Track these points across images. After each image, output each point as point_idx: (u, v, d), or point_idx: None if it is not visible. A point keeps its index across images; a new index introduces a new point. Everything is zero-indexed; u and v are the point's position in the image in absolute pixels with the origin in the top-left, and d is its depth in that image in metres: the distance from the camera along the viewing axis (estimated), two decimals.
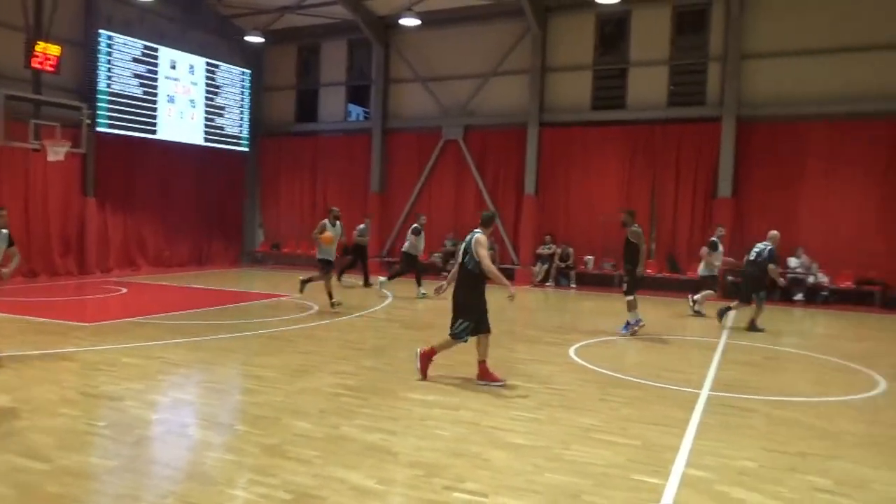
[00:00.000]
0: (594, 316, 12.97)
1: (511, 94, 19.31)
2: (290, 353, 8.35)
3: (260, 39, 20.38)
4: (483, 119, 19.76)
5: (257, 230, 23.69)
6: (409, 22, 17.91)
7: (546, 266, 18.29)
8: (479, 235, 7.00)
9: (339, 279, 16.03)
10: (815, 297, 15.75)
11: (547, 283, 18.17)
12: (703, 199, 17.27)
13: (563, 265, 18.24)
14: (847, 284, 15.86)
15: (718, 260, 13.35)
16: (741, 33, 16.59)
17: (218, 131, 21.02)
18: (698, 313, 13.13)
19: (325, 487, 4.23)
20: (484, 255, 6.87)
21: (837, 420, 6.18)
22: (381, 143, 21.05)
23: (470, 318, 7.01)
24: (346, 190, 21.70)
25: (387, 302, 13.23)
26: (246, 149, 22.20)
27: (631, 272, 10.43)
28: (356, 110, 24.45)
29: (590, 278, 18.16)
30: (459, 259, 7.16)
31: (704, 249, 13.57)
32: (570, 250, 18.21)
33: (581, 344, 9.47)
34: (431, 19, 19.13)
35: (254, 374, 7.26)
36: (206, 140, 20.60)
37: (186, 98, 19.78)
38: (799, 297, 15.78)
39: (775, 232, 12.02)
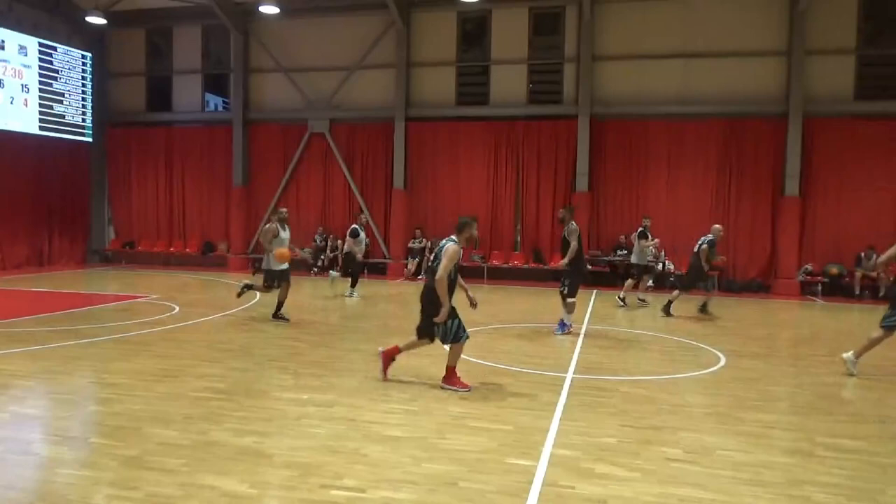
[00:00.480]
0: (465, 307, 13.25)
1: (377, 88, 19.25)
2: (148, 357, 7.81)
3: (102, 21, 18.76)
4: (349, 112, 19.54)
5: (107, 227, 21.92)
6: (269, 10, 17.28)
7: (417, 260, 18.46)
8: (450, 245, 6.75)
9: (351, 293, 14.32)
10: (664, 282, 17.11)
11: (419, 277, 18.32)
12: (563, 192, 18.19)
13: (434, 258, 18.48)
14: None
15: (648, 248, 14.12)
16: (592, 37, 17.63)
17: (57, 119, 19.21)
18: (643, 302, 14.04)
19: (194, 496, 4.02)
20: (443, 266, 6.62)
21: (686, 394, 6.76)
22: (243, 136, 20.21)
23: (454, 317, 6.80)
24: (207, 184, 20.68)
25: (255, 300, 12.76)
26: (89, 139, 20.47)
27: (570, 273, 9.93)
28: (215, 100, 23.28)
29: (460, 270, 18.52)
30: (431, 263, 6.95)
31: (633, 236, 14.45)
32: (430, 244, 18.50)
33: None
34: (293, 8, 18.63)
35: (108, 381, 6.72)
36: (43, 129, 18.78)
37: (18, 82, 17.88)
38: (650, 284, 17.06)
39: (718, 226, 12.87)
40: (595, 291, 16.07)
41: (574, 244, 9.79)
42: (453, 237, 6.85)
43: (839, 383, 7.46)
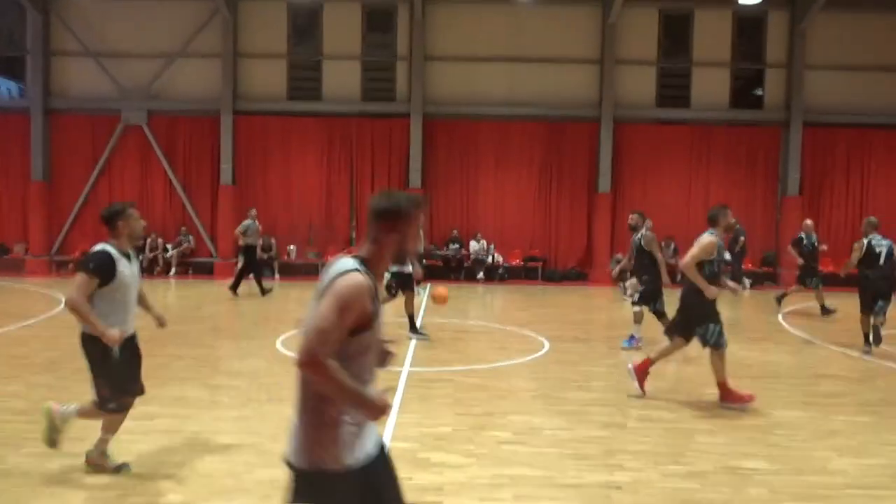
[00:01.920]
0: (300, 305, 12.93)
1: (202, 79, 18.15)
2: None
3: None
4: (171, 104, 18.23)
5: None
6: None
7: None
8: (705, 236, 6.23)
9: (234, 292, 13.56)
10: (494, 274, 17.94)
11: (249, 276, 17.58)
12: (396, 188, 18.34)
13: (265, 256, 17.83)
14: (517, 262, 18.41)
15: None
16: (424, 36, 17.99)
17: None
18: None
19: None
20: (692, 255, 6.14)
21: (514, 380, 7.13)
22: (44, 126, 18.07)
23: (717, 320, 6.30)
24: None
25: (60, 308, 11.49)
26: None
27: (648, 282, 9.18)
28: (7, 85, 20.58)
29: (294, 269, 18.09)
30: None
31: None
32: (273, 241, 17.87)
33: (288, 334, 9.38)
34: None
35: None
36: None
37: None
38: (480, 276, 17.82)
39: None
40: (428, 285, 16.42)
41: (658, 256, 9.26)
42: (710, 230, 6.28)
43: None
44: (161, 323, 4.98)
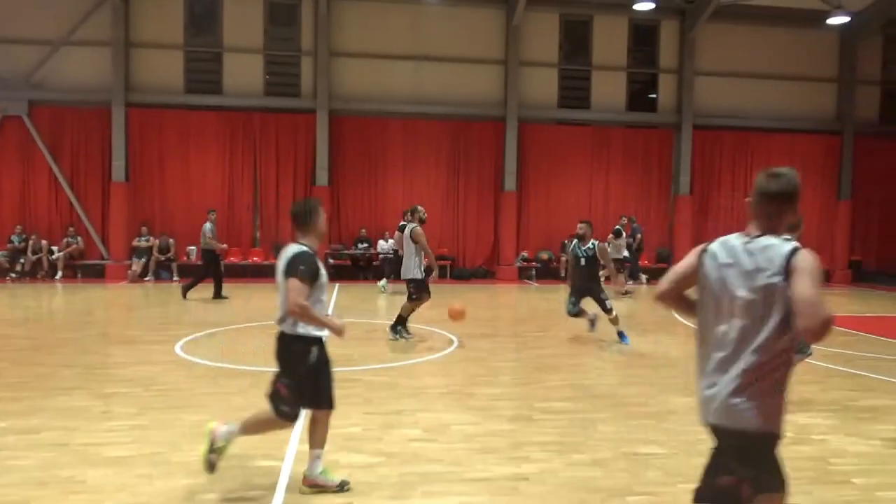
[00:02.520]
0: (200, 308, 12.45)
1: (91, 68, 17.09)
2: None
3: None
4: (56, 94, 17.03)
5: None
6: None
7: (144, 259, 16.82)
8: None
9: (184, 296, 12.99)
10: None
11: (146, 278, 16.74)
12: (303, 186, 18.02)
13: (163, 257, 17.02)
14: (426, 261, 18.43)
15: (620, 246, 14.96)
16: (329, 32, 17.72)
17: None
18: (627, 293, 14.76)
19: None
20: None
21: (423, 378, 7.16)
22: None
23: None
24: None
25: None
26: None
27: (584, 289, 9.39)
28: None
29: (194, 270, 17.32)
30: None
31: (610, 236, 14.93)
32: (171, 241, 17.09)
33: (188, 339, 9.00)
34: None
35: None
36: None
37: None
38: (390, 275, 17.73)
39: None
40: (337, 285, 16.22)
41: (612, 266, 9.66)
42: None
43: (551, 355, 8.53)
44: None
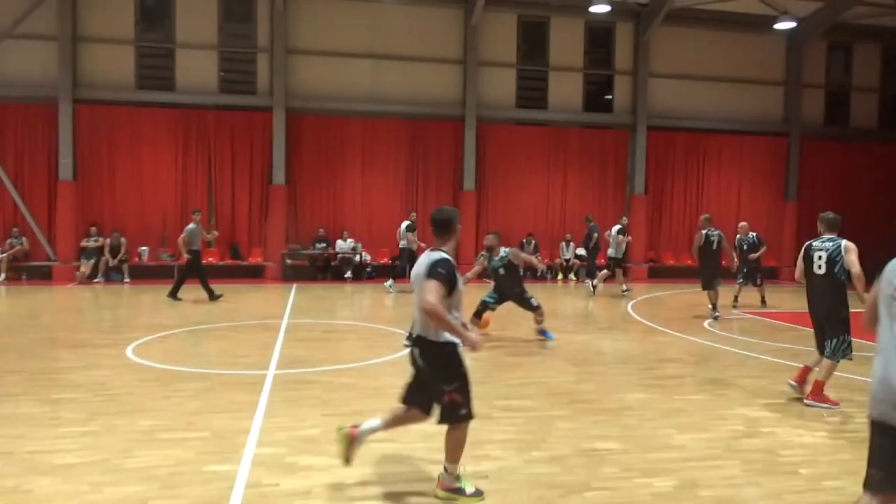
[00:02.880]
0: (153, 310, 12.15)
1: (36, 63, 16.47)
2: None
3: None
4: None
5: None
6: None
7: (93, 261, 16.32)
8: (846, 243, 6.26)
9: (174, 297, 12.87)
10: (362, 273, 17.81)
11: (96, 280, 16.25)
12: (260, 185, 17.75)
13: (113, 259, 16.54)
14: (385, 261, 18.41)
15: (620, 244, 15.26)
16: (286, 29, 17.49)
17: None
18: (627, 290, 15.09)
19: None
20: (853, 262, 6.06)
21: (383, 378, 7.12)
22: None
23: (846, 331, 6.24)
24: None
25: None
26: None
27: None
28: None
29: (146, 271, 16.92)
30: (823, 269, 6.26)
31: (610, 233, 15.25)
32: (123, 240, 16.62)
33: (140, 342, 8.77)
34: None
35: None
36: None
37: None
38: (348, 275, 17.63)
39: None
40: (295, 286, 16.05)
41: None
42: (831, 235, 6.36)
43: (511, 353, 8.59)
44: None
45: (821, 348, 6.38)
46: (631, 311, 12.70)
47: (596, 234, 17.26)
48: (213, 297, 13.08)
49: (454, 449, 4.11)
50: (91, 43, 16.79)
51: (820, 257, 6.32)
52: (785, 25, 18.31)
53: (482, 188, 18.98)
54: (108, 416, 5.57)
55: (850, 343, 6.25)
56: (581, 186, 19.67)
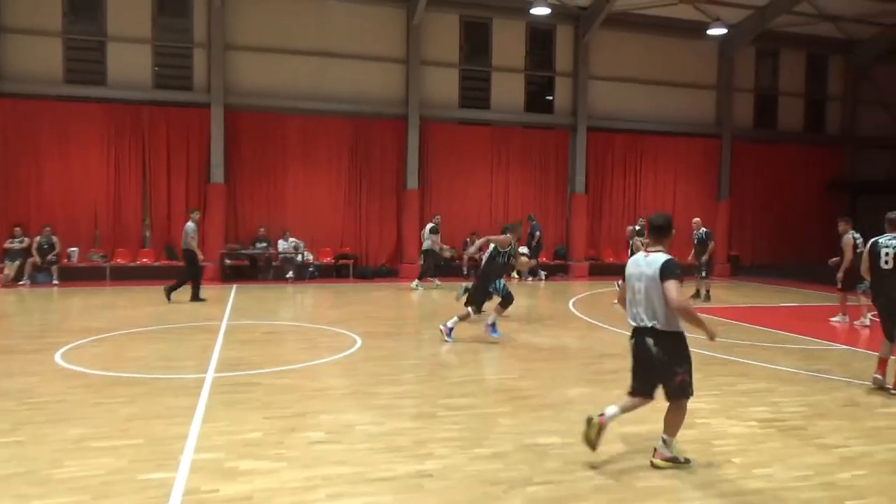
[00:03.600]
0: (84, 313, 11.66)
1: None
2: None
3: None
4: None
5: None
6: None
7: (18, 262, 15.52)
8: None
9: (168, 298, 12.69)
10: (304, 273, 17.55)
11: (21, 283, 15.47)
12: (196, 184, 17.27)
13: (42, 259, 15.78)
14: (328, 260, 18.22)
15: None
16: (224, 24, 17.06)
17: None
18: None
19: None
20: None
21: (326, 379, 7.05)
22: None
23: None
24: None
25: None
26: None
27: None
28: None
29: (75, 272, 16.22)
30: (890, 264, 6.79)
31: (633, 234, 14.71)
32: (55, 238, 15.83)
33: (70, 346, 8.41)
34: None
35: None
36: None
37: None
38: (290, 275, 17.34)
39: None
40: (235, 286, 15.70)
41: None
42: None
43: (454, 352, 8.63)
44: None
45: (890, 336, 6.76)
46: (572, 308, 12.94)
47: (538, 233, 17.50)
48: (196, 298, 12.88)
49: (676, 424, 4.71)
50: (15, 34, 15.97)
51: (888, 254, 6.78)
52: (717, 32, 19.00)
53: (425, 187, 18.99)
54: (35, 425, 5.32)
55: None
56: (523, 185, 19.92)
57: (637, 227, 15.75)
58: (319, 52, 17.94)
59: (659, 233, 4.75)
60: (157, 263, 16.84)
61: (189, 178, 17.20)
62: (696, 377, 4.77)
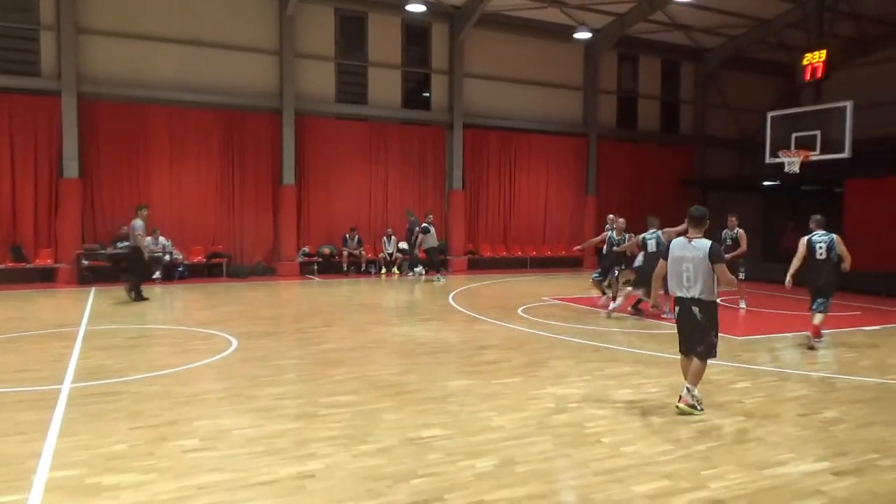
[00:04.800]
0: None
1: None
2: None
3: None
4: None
5: None
6: None
7: None
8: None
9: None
10: (173, 273, 16.60)
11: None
12: (47, 179, 15.84)
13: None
14: (199, 259, 17.35)
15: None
16: (75, 5, 15.75)
17: None
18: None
19: None
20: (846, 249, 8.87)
21: (200, 383, 6.71)
22: None
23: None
24: None
25: None
26: None
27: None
28: None
29: None
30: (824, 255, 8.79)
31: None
32: None
33: None
34: None
35: None
36: None
37: None
38: (157, 275, 16.33)
39: None
40: (94, 289, 14.58)
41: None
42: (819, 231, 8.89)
43: (335, 349, 8.51)
44: None
45: (812, 305, 8.90)
46: (452, 302, 13.17)
47: (417, 228, 17.65)
48: (140, 297, 12.73)
49: (699, 375, 5.80)
50: None
51: (821, 247, 8.77)
52: (582, 35, 20.02)
53: (302, 183, 18.57)
54: None
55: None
56: (402, 181, 19.99)
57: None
58: (187, 41, 17.02)
59: (699, 222, 5.86)
60: (1, 266, 15.27)
61: (38, 173, 15.74)
62: (569, 363, 5.05)
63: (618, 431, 5.31)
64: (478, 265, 20.68)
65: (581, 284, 16.17)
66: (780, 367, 7.86)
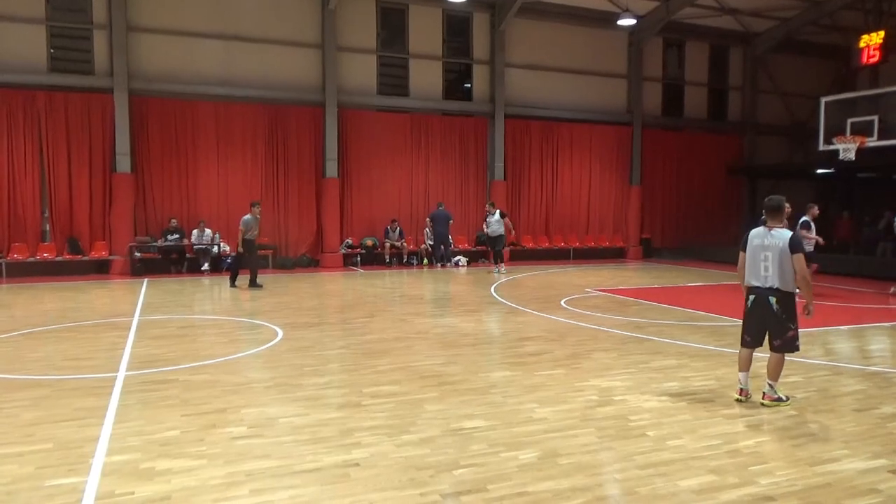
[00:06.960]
0: None
1: None
2: None
3: None
4: None
5: None
6: None
7: None
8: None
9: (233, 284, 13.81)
10: (220, 265, 16.99)
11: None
12: (101, 174, 16.36)
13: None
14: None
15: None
16: (126, 4, 16.18)
17: None
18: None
19: None
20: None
21: (247, 372, 6.87)
22: None
23: None
24: None
25: None
26: None
27: None
28: None
29: None
30: None
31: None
32: None
33: None
34: None
35: None
36: None
37: None
38: (205, 267, 16.76)
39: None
40: (146, 280, 15.03)
41: None
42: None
43: (379, 340, 8.60)
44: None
45: None
46: (494, 293, 13.14)
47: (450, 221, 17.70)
48: (255, 284, 13.75)
49: (778, 371, 5.70)
50: None
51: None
52: (626, 22, 19.63)
53: (345, 175, 18.75)
54: None
55: None
56: (443, 173, 20.00)
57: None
58: (231, 36, 17.33)
59: (777, 212, 5.75)
60: (59, 258, 15.88)
61: (92, 168, 16.28)
62: (613, 356, 4.97)
63: (663, 425, 5.23)
64: (520, 256, 20.58)
65: (621, 275, 15.94)
66: (835, 360, 7.62)
